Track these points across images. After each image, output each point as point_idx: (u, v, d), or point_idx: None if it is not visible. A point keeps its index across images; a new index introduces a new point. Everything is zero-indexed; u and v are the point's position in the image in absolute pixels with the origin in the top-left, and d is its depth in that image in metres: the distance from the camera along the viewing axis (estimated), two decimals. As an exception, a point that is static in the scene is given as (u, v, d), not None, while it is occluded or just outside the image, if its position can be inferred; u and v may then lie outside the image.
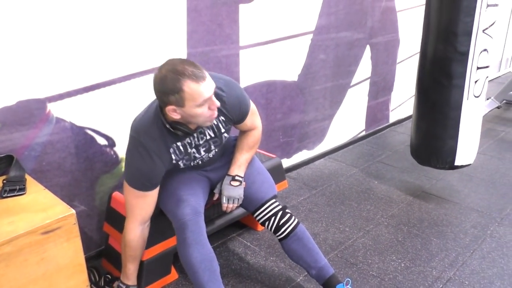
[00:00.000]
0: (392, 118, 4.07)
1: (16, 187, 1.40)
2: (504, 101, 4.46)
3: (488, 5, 2.19)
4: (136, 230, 1.60)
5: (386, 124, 4.00)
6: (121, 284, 1.68)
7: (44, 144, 1.71)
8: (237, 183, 1.70)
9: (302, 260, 1.72)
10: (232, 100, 1.55)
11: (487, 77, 2.40)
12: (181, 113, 1.37)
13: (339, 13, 2.96)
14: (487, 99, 4.27)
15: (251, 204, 1.74)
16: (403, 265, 2.01)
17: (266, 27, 2.50)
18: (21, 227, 1.21)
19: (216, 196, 1.75)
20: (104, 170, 1.95)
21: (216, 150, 1.68)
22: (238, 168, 1.72)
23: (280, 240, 1.72)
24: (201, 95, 1.32)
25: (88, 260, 1.51)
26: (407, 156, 3.04)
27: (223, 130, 1.61)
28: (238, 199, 1.71)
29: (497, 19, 2.30)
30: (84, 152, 1.85)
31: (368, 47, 3.38)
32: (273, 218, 1.71)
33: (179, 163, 1.58)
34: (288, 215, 1.73)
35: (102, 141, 1.91)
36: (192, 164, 1.65)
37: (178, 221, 1.57)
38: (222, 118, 1.57)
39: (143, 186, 1.52)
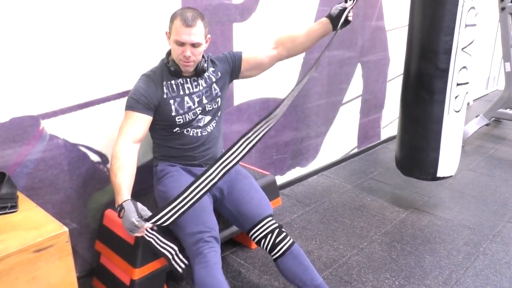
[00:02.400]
0: (384, 135, 4.11)
1: (7, 205, 1.38)
2: (493, 118, 4.54)
3: (466, 25, 2.31)
4: (123, 143, 1.62)
5: (378, 141, 4.04)
6: (119, 208, 1.53)
7: (37, 161, 1.70)
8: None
9: (298, 278, 1.69)
10: (219, 55, 1.90)
11: (466, 92, 2.51)
12: (169, 43, 1.69)
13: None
14: (476, 116, 4.34)
15: (247, 221, 1.73)
16: (397, 283, 2.00)
17: (260, 45, 2.53)
18: (13, 245, 1.19)
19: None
20: (97, 188, 1.94)
21: (209, 109, 1.81)
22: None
23: (275, 259, 1.71)
24: (178, 34, 1.61)
25: (79, 279, 1.48)
26: (399, 173, 3.06)
27: (213, 79, 1.83)
28: None
29: (475, 38, 2.42)
30: (77, 169, 1.84)
31: (359, 65, 3.43)
32: (269, 236, 1.70)
33: (171, 102, 1.74)
34: (284, 233, 1.72)
35: (95, 158, 1.90)
36: (187, 118, 1.76)
37: (203, 245, 1.56)
38: (211, 69, 1.84)
39: (135, 103, 1.67)
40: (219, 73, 1.86)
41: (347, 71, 3.32)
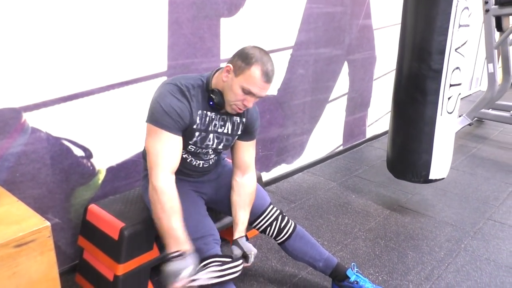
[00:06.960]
0: (369, 134, 4.14)
1: (-13, 199, 1.35)
2: (476, 118, 4.63)
3: (460, 25, 2.29)
4: (167, 177, 1.43)
5: (363, 139, 4.07)
6: (173, 255, 1.39)
7: (18, 154, 1.66)
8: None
9: (308, 255, 1.79)
10: (254, 111, 1.68)
11: (459, 94, 2.49)
12: (228, 79, 1.47)
13: (318, 30, 3.03)
14: (459, 116, 4.41)
15: (251, 214, 1.74)
16: (380, 278, 2.03)
17: (247, 41, 2.52)
18: (-7, 240, 1.17)
19: (250, 262, 1.58)
20: (81, 182, 1.91)
21: (219, 151, 1.69)
22: (243, 226, 1.66)
23: (282, 242, 1.78)
24: (253, 85, 1.43)
25: (61, 275, 1.45)
26: (384, 170, 3.09)
27: (239, 132, 1.67)
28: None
29: (468, 39, 2.40)
30: (60, 163, 1.81)
31: (346, 64, 3.45)
32: (274, 223, 1.76)
33: (196, 134, 1.54)
34: (286, 217, 1.80)
35: (79, 152, 1.87)
36: (198, 151, 1.61)
37: (207, 249, 1.55)
38: (243, 120, 1.66)
39: (172, 123, 1.44)
40: (240, 131, 1.68)
41: (334, 69, 3.33)
